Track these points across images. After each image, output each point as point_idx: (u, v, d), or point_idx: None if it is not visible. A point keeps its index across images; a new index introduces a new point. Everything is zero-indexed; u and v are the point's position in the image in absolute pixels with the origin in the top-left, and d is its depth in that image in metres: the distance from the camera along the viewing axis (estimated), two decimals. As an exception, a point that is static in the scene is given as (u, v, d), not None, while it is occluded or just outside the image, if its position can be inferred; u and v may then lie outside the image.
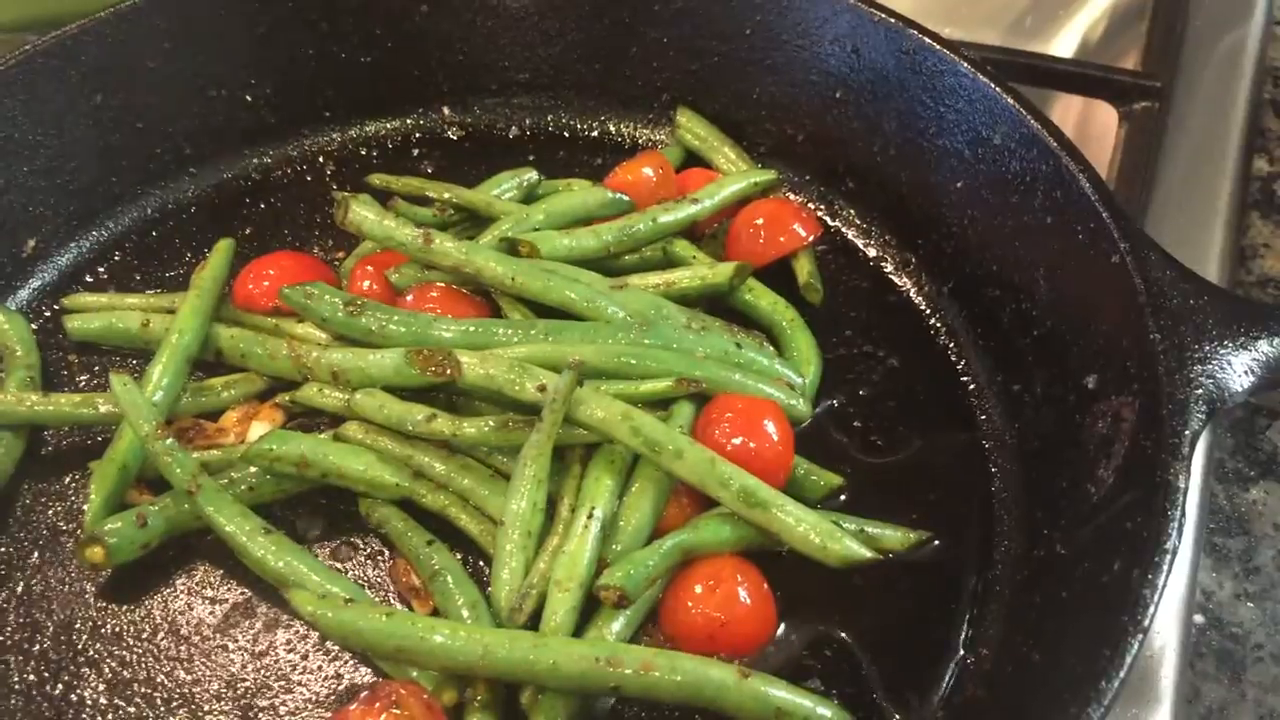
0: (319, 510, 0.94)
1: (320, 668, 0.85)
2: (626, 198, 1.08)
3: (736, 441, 0.88)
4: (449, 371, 0.91)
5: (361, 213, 1.02)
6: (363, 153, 1.24)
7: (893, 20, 1.05)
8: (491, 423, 0.89)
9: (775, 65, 1.15)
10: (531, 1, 1.20)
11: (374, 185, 1.14)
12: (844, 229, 1.14)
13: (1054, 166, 0.93)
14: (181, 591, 0.89)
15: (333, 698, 0.83)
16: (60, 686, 0.84)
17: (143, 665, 0.85)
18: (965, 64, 1.01)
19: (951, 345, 1.03)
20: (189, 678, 0.84)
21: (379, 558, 0.92)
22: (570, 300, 0.97)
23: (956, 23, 1.53)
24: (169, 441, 0.89)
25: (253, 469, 0.92)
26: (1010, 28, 1.59)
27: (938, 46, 1.03)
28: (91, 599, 0.89)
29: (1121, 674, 0.67)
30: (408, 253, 1.01)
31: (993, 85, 0.99)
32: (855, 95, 1.10)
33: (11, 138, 1.07)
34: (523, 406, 0.90)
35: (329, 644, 0.86)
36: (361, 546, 0.92)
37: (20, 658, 0.85)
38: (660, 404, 0.92)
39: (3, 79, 1.05)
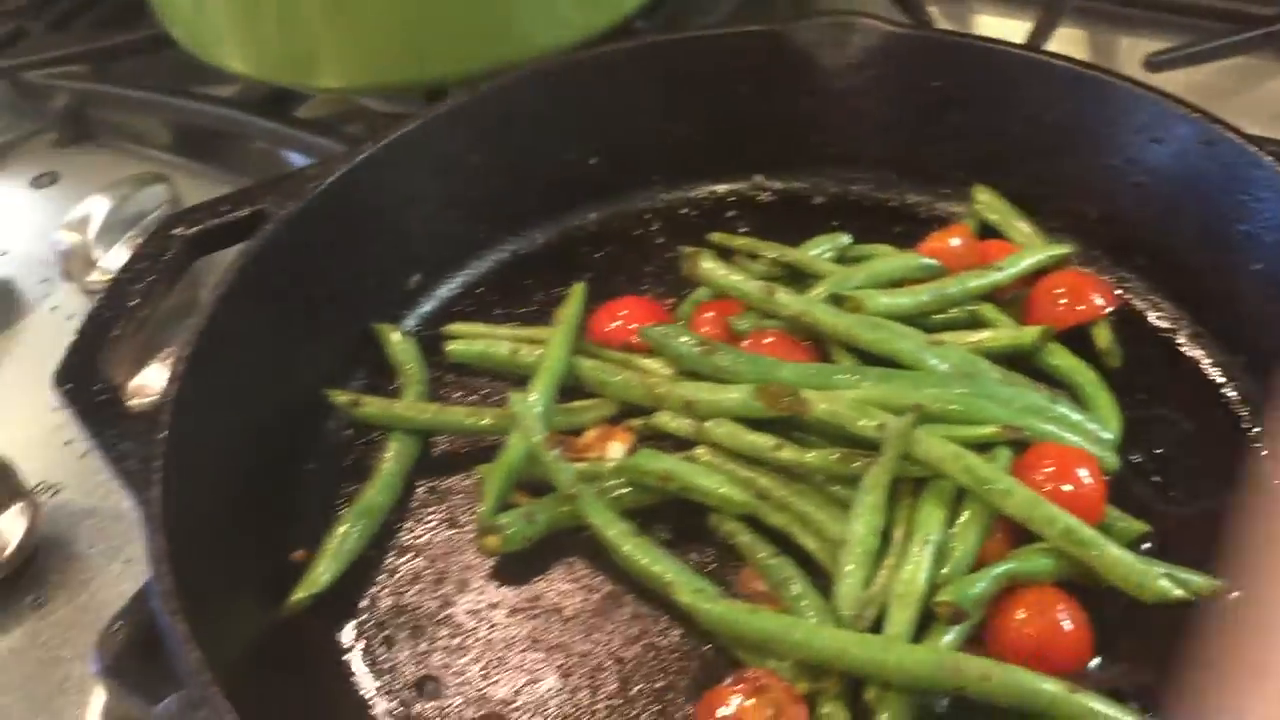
0: (670, 520, 1.08)
1: (685, 652, 0.99)
2: (938, 263, 1.20)
3: (1054, 486, 0.99)
4: (796, 406, 1.04)
5: (708, 266, 1.18)
6: (682, 212, 1.40)
7: (1196, 114, 1.16)
8: (834, 454, 1.02)
9: (1074, 150, 1.26)
10: (848, 86, 1.35)
11: (714, 242, 1.29)
12: (1133, 299, 1.23)
13: (1365, 254, 1.01)
14: (560, 579, 1.05)
15: (698, 678, 0.96)
16: (474, 650, 1.00)
17: (537, 635, 1.00)
18: (1269, 158, 1.10)
19: (1245, 414, 1.11)
20: (576, 650, 0.99)
21: (718, 565, 1.05)
22: (899, 352, 1.09)
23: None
24: (556, 452, 1.06)
25: (618, 480, 1.07)
26: (1271, 120, 1.65)
27: (1241, 140, 1.12)
28: (484, 581, 1.05)
29: None
30: (750, 302, 1.15)
31: (1298, 178, 1.08)
32: (1154, 180, 1.20)
33: (410, 192, 1.26)
34: (861, 441, 1.03)
35: (690, 634, 0.99)
36: (707, 555, 1.06)
37: (437, 624, 1.02)
38: (979, 448, 1.03)
39: (410, 138, 1.25)
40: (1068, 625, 0.94)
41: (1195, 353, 1.17)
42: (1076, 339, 1.18)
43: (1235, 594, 0.98)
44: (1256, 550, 0.91)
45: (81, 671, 1.15)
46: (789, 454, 1.04)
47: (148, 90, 1.73)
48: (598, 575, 1.05)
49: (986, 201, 1.31)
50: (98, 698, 1.11)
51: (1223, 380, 1.14)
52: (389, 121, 1.28)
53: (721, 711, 0.91)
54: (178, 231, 1.11)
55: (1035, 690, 0.88)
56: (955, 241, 1.23)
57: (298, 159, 1.66)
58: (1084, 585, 0.97)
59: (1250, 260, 1.13)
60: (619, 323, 1.20)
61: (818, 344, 1.15)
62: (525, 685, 0.97)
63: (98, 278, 1.48)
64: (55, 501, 1.25)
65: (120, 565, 1.24)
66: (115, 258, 1.50)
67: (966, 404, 1.04)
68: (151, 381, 1.34)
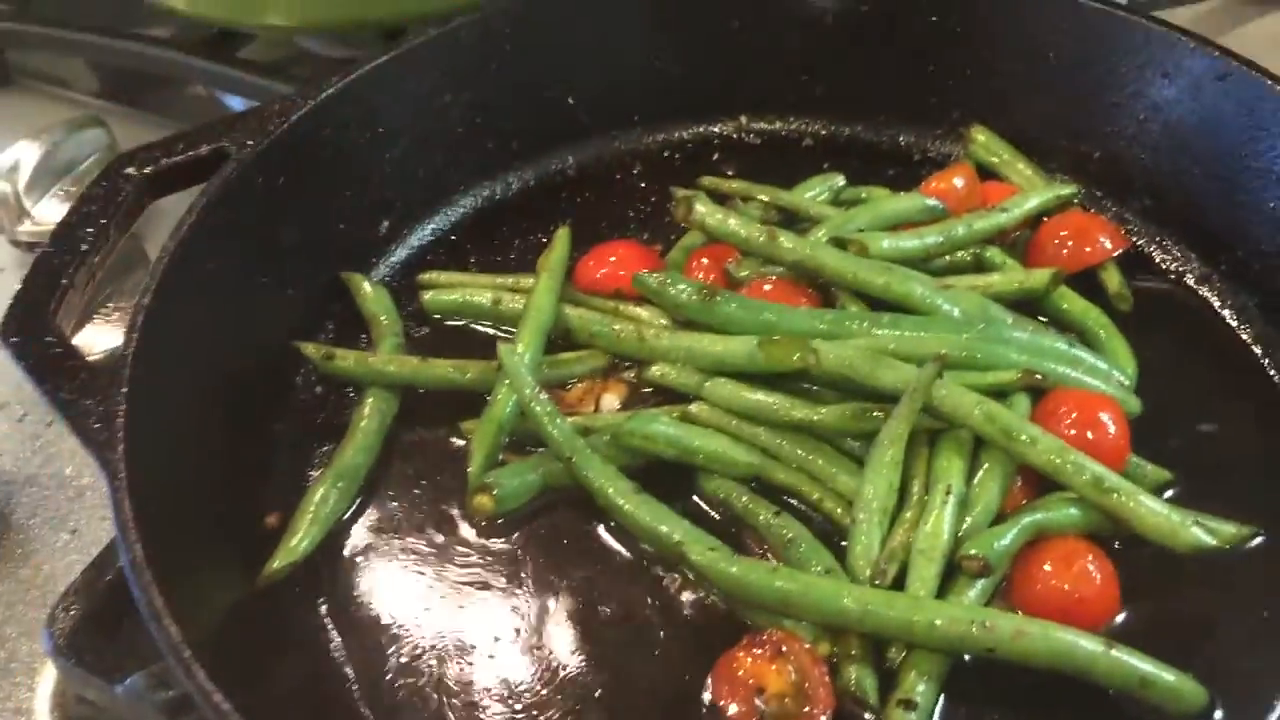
0: (661, 476, 1.00)
1: (690, 616, 0.92)
2: (942, 205, 1.15)
3: (1078, 432, 0.95)
4: (807, 359, 0.98)
5: (703, 210, 1.11)
6: (665, 154, 1.33)
7: (1210, 49, 1.11)
8: (849, 410, 0.96)
9: (1076, 87, 1.21)
10: (838, 22, 1.28)
11: (704, 186, 1.22)
12: (1139, 242, 1.19)
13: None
14: (555, 543, 0.98)
15: (712, 642, 0.90)
16: (469, 625, 0.93)
17: (535, 608, 0.94)
18: (1286, 91, 1.06)
19: (1264, 358, 1.07)
20: (577, 621, 0.93)
21: (719, 522, 0.99)
22: (910, 296, 1.04)
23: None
24: (550, 408, 0.99)
25: (607, 437, 1.00)
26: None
27: (1259, 75, 1.08)
28: (473, 547, 0.98)
29: None
30: (749, 248, 1.09)
31: (1317, 114, 1.04)
32: (1161, 117, 1.16)
33: (378, 130, 1.18)
34: (876, 394, 0.97)
35: (696, 596, 0.93)
36: (707, 512, 1.00)
37: (426, 594, 0.95)
38: (996, 396, 0.98)
39: (377, 74, 1.16)
40: (1097, 577, 0.90)
41: (1207, 294, 1.14)
42: (1084, 282, 1.13)
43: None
44: None
45: (29, 649, 1.06)
46: (801, 413, 0.98)
47: (74, 30, 1.61)
48: (594, 538, 0.98)
49: (984, 142, 1.26)
50: (47, 679, 1.03)
51: (1236, 323, 1.11)
52: (337, 66, 1.19)
53: (740, 676, 0.85)
54: (130, 171, 1.01)
55: (1073, 647, 0.83)
56: (959, 182, 1.18)
57: (238, 104, 1.56)
58: (1108, 536, 0.93)
59: (1264, 199, 1.09)
60: (608, 269, 1.13)
61: (821, 291, 1.09)
62: (525, 662, 0.90)
63: (30, 228, 1.38)
64: (-11, 469, 1.16)
65: (66, 536, 1.15)
66: (49, 208, 1.40)
67: (986, 350, 0.99)
68: (93, 340, 1.25)
